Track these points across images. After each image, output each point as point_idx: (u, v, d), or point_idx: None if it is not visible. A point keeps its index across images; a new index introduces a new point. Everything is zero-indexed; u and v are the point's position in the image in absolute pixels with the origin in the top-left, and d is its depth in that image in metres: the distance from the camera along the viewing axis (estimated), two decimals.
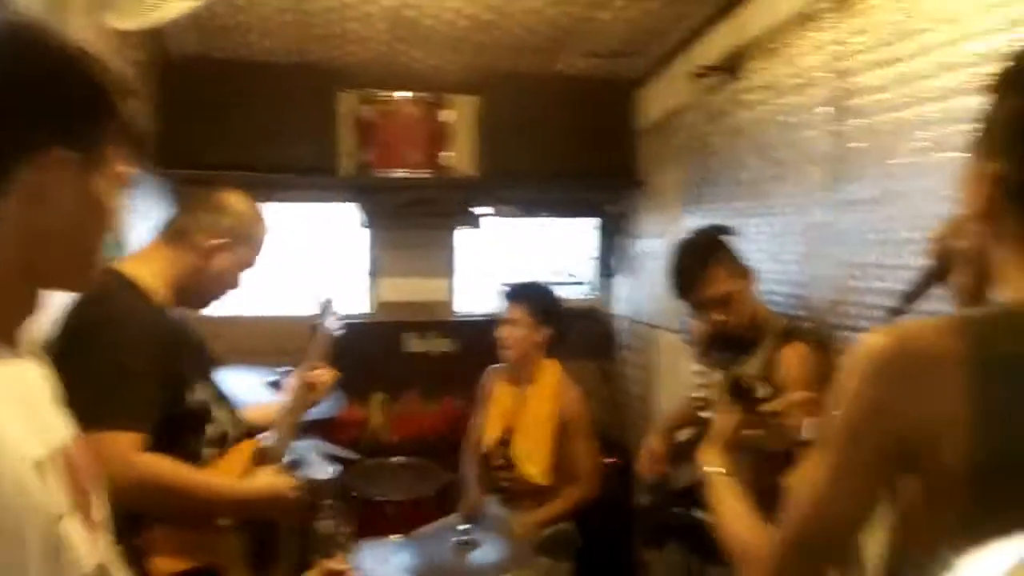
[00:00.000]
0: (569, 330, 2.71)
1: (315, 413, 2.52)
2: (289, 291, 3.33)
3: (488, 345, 2.71)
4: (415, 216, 3.41)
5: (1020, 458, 0.74)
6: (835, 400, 0.84)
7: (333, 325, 1.95)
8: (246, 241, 1.69)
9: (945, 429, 0.76)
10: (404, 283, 3.55)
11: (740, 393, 1.32)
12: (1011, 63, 0.80)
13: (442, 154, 3.33)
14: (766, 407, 1.30)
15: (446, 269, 3.62)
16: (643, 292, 3.39)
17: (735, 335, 1.93)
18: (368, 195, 3.39)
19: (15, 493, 0.65)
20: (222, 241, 1.63)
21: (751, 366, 1.87)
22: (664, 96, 3.17)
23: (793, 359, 1.80)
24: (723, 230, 1.98)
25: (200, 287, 1.65)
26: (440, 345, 3.47)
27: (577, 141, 3.34)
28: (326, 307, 1.97)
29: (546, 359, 2.65)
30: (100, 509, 0.83)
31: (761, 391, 1.32)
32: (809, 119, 2.05)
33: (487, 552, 2.11)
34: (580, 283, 3.82)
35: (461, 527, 2.14)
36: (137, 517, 1.37)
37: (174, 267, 1.60)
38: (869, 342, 0.82)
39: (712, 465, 1.23)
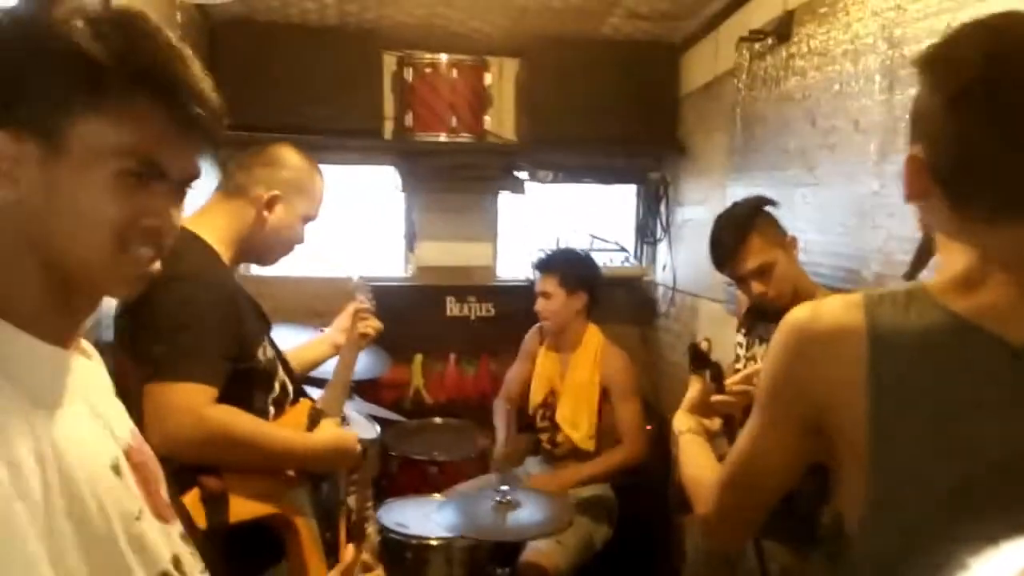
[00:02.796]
0: (606, 293, 2.72)
1: (358, 374, 2.61)
2: (328, 253, 3.37)
3: (528, 310, 2.73)
4: (457, 180, 3.41)
5: (908, 426, 0.79)
6: (765, 365, 0.94)
7: (366, 304, 1.99)
8: (303, 193, 1.70)
9: (845, 394, 0.83)
10: (445, 247, 3.57)
11: (699, 360, 1.37)
12: (930, 47, 0.81)
13: (484, 118, 3.32)
14: (733, 377, 1.38)
15: (488, 234, 3.63)
16: (684, 260, 3.37)
17: (777, 307, 1.92)
18: (408, 159, 3.40)
19: (101, 496, 0.66)
20: (279, 193, 1.64)
21: None
22: (710, 61, 3.11)
23: None
24: (764, 201, 1.96)
25: (262, 242, 1.66)
26: (481, 309, 3.50)
27: (620, 106, 3.30)
28: (359, 287, 2.01)
29: (588, 324, 2.67)
30: (166, 498, 0.82)
31: (717, 357, 1.39)
32: (861, 88, 2.00)
33: (527, 512, 2.16)
34: (622, 250, 3.82)
35: (501, 487, 2.19)
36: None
37: (235, 223, 1.62)
38: (790, 315, 0.91)
39: (682, 427, 1.30)
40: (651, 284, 3.75)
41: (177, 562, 0.77)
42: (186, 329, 1.41)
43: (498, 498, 2.16)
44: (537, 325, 2.82)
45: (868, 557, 0.81)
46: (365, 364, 2.63)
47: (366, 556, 1.19)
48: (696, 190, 3.27)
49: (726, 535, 1.08)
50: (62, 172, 0.64)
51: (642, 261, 3.79)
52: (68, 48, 0.63)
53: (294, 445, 1.54)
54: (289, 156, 1.70)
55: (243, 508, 1.42)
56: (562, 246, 2.92)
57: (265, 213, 1.63)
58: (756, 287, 1.90)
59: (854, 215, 2.03)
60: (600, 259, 2.97)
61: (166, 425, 1.33)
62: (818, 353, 0.86)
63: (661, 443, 2.87)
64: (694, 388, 1.37)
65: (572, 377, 2.63)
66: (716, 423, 1.36)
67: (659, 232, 3.61)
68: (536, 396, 2.69)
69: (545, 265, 2.70)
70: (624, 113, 3.30)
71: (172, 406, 1.36)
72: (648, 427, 3.06)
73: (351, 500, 1.64)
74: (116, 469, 0.70)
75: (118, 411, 0.80)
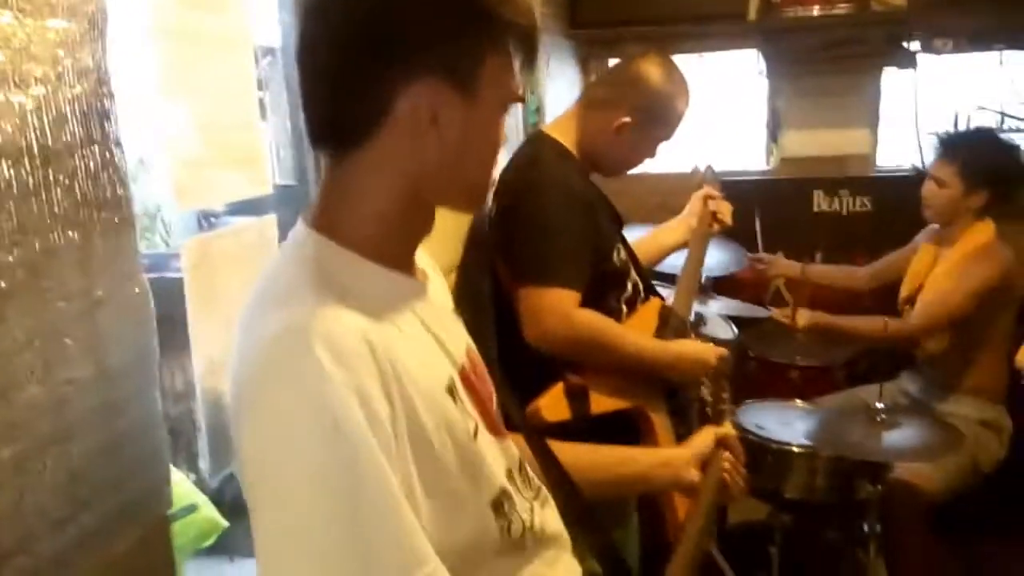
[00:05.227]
0: (1020, 188, 2.24)
1: (715, 270, 2.54)
2: (686, 148, 3.26)
3: (912, 205, 2.38)
4: (830, 60, 3.03)
5: None
6: None
7: (715, 193, 1.93)
8: (659, 119, 1.67)
9: None
10: (813, 136, 3.24)
11: None
12: None
13: None
14: None
15: (867, 118, 3.19)
16: None
17: None
18: (774, 39, 3.09)
19: (437, 419, 0.68)
20: (633, 120, 1.62)
21: None
22: None
23: None
24: None
25: (612, 159, 1.69)
26: (855, 204, 3.14)
27: None
28: (708, 175, 1.95)
29: (979, 221, 2.25)
30: (501, 418, 0.84)
31: None
32: None
33: (905, 433, 1.94)
34: None
35: (878, 404, 1.99)
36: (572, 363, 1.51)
37: (589, 137, 1.65)
38: None
39: None
40: None
41: (511, 476, 0.81)
42: (555, 235, 1.50)
43: (874, 416, 1.97)
44: (927, 228, 2.45)
45: None
46: (722, 260, 2.54)
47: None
48: None
49: None
50: (471, 114, 0.70)
51: None
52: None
53: (651, 352, 1.58)
54: (652, 75, 1.64)
55: (603, 402, 1.50)
56: (971, 127, 2.43)
57: (617, 135, 1.63)
58: None
59: None
60: (1013, 144, 2.42)
61: (539, 327, 1.47)
62: None
63: None
64: None
65: (940, 272, 2.26)
66: None
67: None
68: (904, 291, 2.37)
69: (948, 146, 2.30)
70: None
71: (544, 309, 1.47)
72: None
73: (706, 393, 1.62)
74: (451, 390, 0.73)
75: (456, 330, 0.83)
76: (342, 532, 0.59)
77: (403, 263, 0.76)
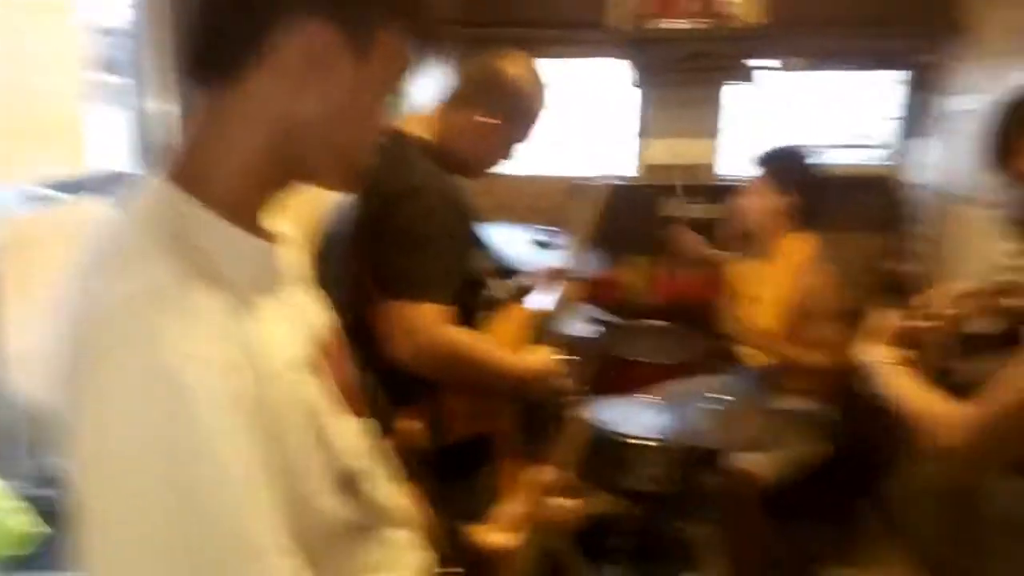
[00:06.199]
0: (823, 199, 2.44)
1: (577, 275, 2.61)
2: (556, 151, 3.35)
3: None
4: (687, 71, 3.19)
5: None
6: None
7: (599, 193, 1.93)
8: (518, 118, 1.64)
9: None
10: (672, 144, 3.40)
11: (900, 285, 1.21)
12: None
13: (724, 0, 3.02)
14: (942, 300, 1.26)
15: (712, 129, 3.40)
16: (950, 159, 2.93)
17: None
18: (641, 50, 3.22)
19: (290, 391, 0.65)
20: (493, 118, 1.60)
21: None
22: None
23: None
24: None
25: (472, 158, 1.64)
26: (703, 210, 3.32)
27: None
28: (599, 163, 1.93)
29: (797, 233, 2.43)
30: (359, 398, 0.81)
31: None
32: None
33: (739, 424, 2.08)
34: (874, 147, 3.40)
35: (713, 393, 2.12)
36: (434, 385, 1.46)
37: (449, 134, 1.61)
38: None
39: (879, 357, 1.21)
40: (903, 185, 3.32)
41: (366, 456, 0.79)
42: (431, 247, 1.43)
43: (707, 405, 2.10)
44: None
45: None
46: (584, 264, 2.62)
47: (564, 477, 1.17)
48: (975, 77, 2.78)
49: (977, 469, 1.07)
50: (359, 77, 0.66)
51: (897, 159, 3.36)
52: None
53: (511, 368, 1.55)
54: (512, 75, 1.62)
55: (460, 428, 1.48)
56: (784, 142, 2.63)
57: (477, 133, 1.60)
58: None
59: None
60: (842, 157, 2.65)
61: (410, 344, 1.40)
62: None
63: None
64: (891, 315, 1.26)
65: (766, 286, 2.43)
66: (911, 354, 1.25)
67: (920, 126, 3.15)
68: (726, 304, 2.55)
69: (760, 160, 2.49)
70: None
71: (418, 326, 1.40)
72: None
73: (556, 399, 1.66)
74: (308, 365, 0.70)
75: (313, 305, 0.80)
76: (187, 511, 0.55)
77: (256, 227, 0.70)
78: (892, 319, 1.24)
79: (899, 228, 3.30)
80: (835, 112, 3.44)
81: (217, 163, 0.67)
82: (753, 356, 2.47)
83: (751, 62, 3.15)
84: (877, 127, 3.42)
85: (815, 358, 2.39)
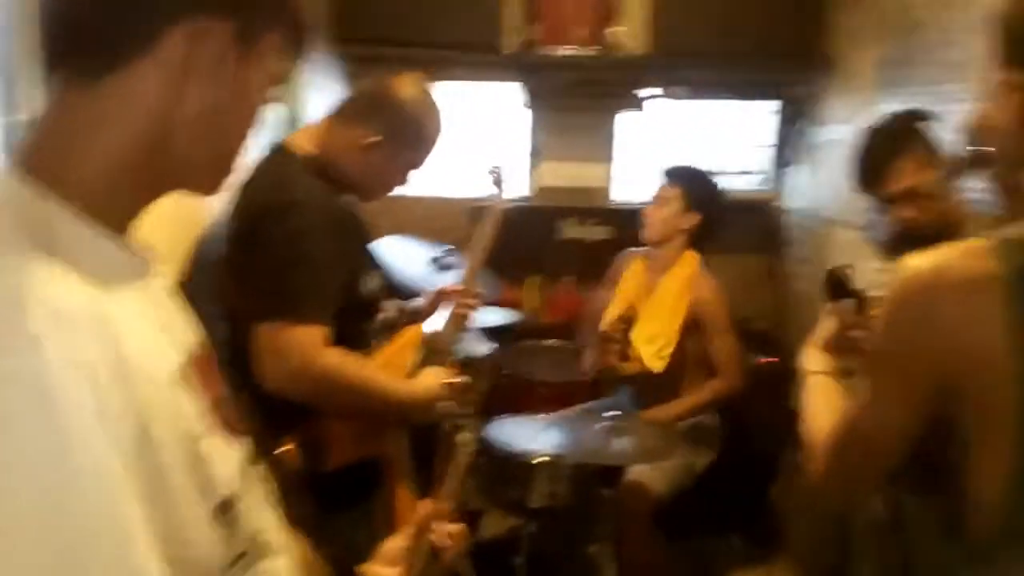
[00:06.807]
0: (723, 223, 2.57)
1: (473, 295, 2.61)
2: (452, 171, 3.35)
3: None
4: (578, 97, 3.28)
5: None
6: (878, 325, 0.85)
7: (503, 198, 1.90)
8: (410, 144, 1.57)
9: (984, 355, 0.73)
10: (565, 167, 3.48)
11: (839, 288, 1.25)
12: None
13: (611, 30, 3.14)
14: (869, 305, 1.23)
15: (606, 154, 3.50)
16: (822, 184, 3.13)
17: (926, 234, 1.73)
18: (531, 74, 3.29)
19: (161, 410, 0.59)
20: (379, 140, 1.52)
21: None
22: None
23: None
24: (920, 115, 1.75)
25: (359, 181, 1.56)
26: (596, 232, 3.40)
27: (759, 14, 3.04)
28: (497, 178, 1.91)
29: (688, 250, 2.54)
30: (235, 417, 0.76)
31: (861, 286, 1.24)
32: None
33: (632, 439, 2.12)
34: (751, 173, 3.59)
35: (609, 412, 2.16)
36: (309, 410, 1.38)
37: (335, 152, 1.53)
38: (908, 268, 0.81)
39: (811, 367, 1.18)
40: (781, 210, 3.52)
41: (239, 478, 0.73)
42: (306, 265, 1.35)
43: (602, 424, 2.14)
44: (628, 250, 2.72)
45: (1012, 533, 0.72)
46: (480, 284, 2.62)
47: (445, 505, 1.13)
48: (842, 108, 2.99)
49: (835, 497, 1.05)
50: (242, 77, 0.65)
51: (773, 185, 3.56)
52: None
53: (394, 394, 1.49)
54: (405, 96, 1.55)
55: (341, 454, 1.41)
56: (694, 163, 2.74)
57: (364, 153, 1.52)
58: (904, 212, 1.71)
59: None
60: (723, 182, 2.77)
61: (282, 369, 1.31)
62: (949, 311, 0.76)
63: (777, 378, 2.73)
64: (830, 321, 1.24)
65: (657, 297, 2.52)
66: (852, 361, 1.21)
67: (794, 153, 3.36)
68: (614, 311, 2.61)
69: (673, 173, 2.58)
70: (765, 22, 3.04)
71: (292, 349, 1.31)
72: (771, 359, 2.94)
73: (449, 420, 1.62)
74: (180, 380, 0.65)
75: (182, 317, 0.75)
76: (50, 540, 0.49)
77: (123, 231, 0.65)
78: (831, 325, 1.24)
79: (779, 250, 3.49)
80: (716, 140, 3.61)
81: (83, 156, 0.62)
82: (639, 365, 2.53)
83: (639, 91, 3.28)
84: (753, 154, 3.62)
85: (704, 395, 2.48)
